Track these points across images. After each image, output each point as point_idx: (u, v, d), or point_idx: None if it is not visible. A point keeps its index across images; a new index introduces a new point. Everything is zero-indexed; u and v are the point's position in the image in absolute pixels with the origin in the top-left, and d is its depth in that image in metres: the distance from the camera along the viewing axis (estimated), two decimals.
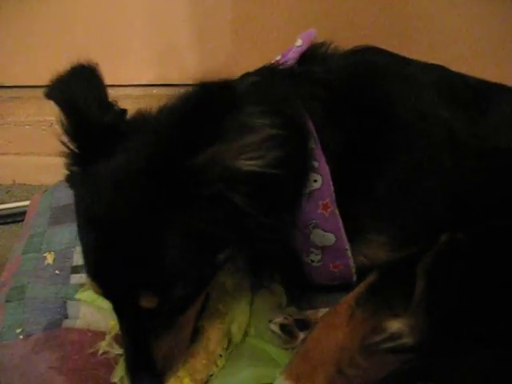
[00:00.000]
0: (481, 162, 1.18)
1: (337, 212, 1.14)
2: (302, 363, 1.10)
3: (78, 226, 1.05)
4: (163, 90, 1.94)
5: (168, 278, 0.97)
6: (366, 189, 1.16)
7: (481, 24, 1.79)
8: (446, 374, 0.99)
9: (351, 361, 1.09)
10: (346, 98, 1.17)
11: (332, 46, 1.27)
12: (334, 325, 1.12)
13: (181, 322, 1.07)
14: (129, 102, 1.90)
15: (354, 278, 1.22)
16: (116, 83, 1.88)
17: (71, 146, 1.05)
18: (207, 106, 0.89)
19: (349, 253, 1.18)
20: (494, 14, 1.77)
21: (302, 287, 1.28)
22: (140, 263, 0.95)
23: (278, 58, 1.26)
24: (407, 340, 1.07)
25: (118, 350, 1.19)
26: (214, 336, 1.17)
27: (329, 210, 1.14)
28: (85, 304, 1.28)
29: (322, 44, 1.27)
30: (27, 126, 1.95)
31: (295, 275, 1.24)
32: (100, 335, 1.21)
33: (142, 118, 1.07)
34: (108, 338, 1.21)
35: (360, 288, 1.15)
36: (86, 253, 1.02)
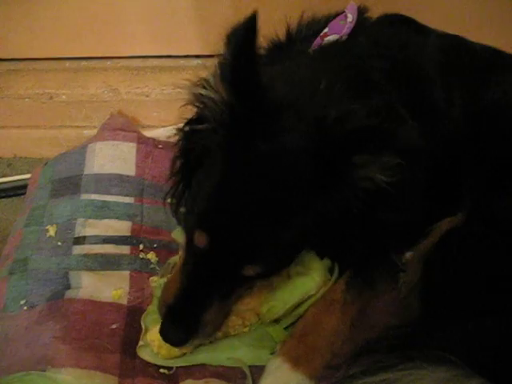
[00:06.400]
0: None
1: None
2: (300, 346, 1.12)
3: (211, 179, 1.01)
4: (162, 62, 1.93)
5: (278, 256, 1.03)
6: None
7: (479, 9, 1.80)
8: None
9: (343, 343, 1.11)
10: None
11: (367, 16, 1.31)
12: (329, 311, 1.15)
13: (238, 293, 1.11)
14: (127, 73, 1.90)
15: None
16: (114, 55, 1.82)
17: (223, 110, 0.98)
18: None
19: None
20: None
21: None
22: (264, 237, 0.98)
23: (326, 30, 1.24)
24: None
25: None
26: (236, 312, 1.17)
27: None
28: (87, 274, 1.30)
29: (364, 17, 1.30)
30: (27, 99, 1.93)
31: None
32: (102, 304, 1.23)
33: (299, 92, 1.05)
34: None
35: (349, 272, 1.19)
36: (214, 207, 1.00)
